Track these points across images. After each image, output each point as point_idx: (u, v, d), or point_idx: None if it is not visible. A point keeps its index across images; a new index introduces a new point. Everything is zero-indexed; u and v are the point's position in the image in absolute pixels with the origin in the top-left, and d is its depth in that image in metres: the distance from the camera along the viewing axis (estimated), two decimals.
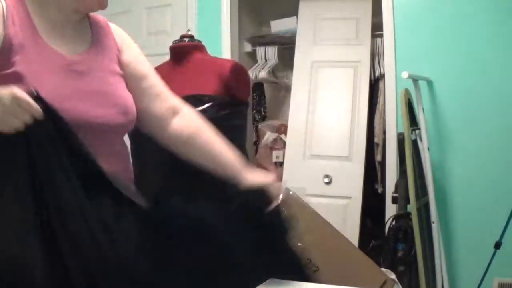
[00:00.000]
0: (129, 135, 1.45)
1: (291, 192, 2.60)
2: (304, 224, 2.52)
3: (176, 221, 1.18)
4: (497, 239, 2.51)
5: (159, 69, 2.15)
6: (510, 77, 2.77)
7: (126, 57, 1.38)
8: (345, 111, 3.18)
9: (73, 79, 1.24)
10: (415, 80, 2.70)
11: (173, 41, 2.07)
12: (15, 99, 0.98)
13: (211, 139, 1.40)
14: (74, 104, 1.19)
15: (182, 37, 2.06)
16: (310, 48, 3.37)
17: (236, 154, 1.37)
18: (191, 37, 2.07)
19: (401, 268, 2.55)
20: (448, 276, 2.73)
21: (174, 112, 1.39)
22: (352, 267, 2.38)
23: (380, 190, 3.25)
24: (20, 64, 1.16)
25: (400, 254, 2.58)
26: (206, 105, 1.85)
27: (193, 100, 1.87)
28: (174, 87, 1.95)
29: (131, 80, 1.36)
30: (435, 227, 2.62)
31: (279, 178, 1.29)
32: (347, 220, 3.02)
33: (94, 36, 1.35)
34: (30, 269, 0.99)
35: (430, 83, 2.91)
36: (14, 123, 0.99)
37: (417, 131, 2.73)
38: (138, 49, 1.44)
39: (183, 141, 1.38)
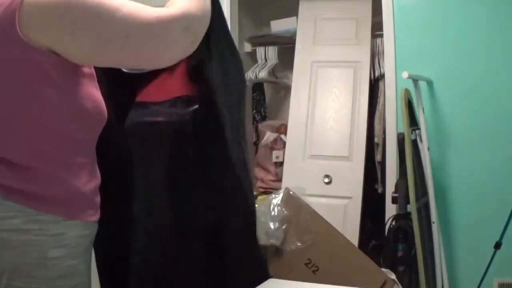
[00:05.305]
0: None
1: (291, 192, 2.60)
2: (304, 224, 2.52)
3: None
4: (497, 239, 2.52)
5: (155, 69, 2.15)
6: (510, 77, 2.77)
7: None
8: (345, 111, 3.17)
9: None
10: (415, 80, 2.70)
11: None
12: None
13: None
14: None
15: None
16: (310, 48, 3.36)
17: None
18: None
19: (401, 268, 2.54)
20: (448, 276, 2.73)
21: None
22: (352, 267, 2.38)
23: (380, 190, 3.24)
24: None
25: (400, 254, 2.57)
26: None
27: (188, 100, 1.86)
28: (170, 87, 1.94)
29: None
30: (435, 227, 2.62)
31: None
32: (347, 220, 3.01)
33: None
34: None
35: (430, 83, 2.91)
36: None
37: (417, 131, 2.73)
38: None
39: None
